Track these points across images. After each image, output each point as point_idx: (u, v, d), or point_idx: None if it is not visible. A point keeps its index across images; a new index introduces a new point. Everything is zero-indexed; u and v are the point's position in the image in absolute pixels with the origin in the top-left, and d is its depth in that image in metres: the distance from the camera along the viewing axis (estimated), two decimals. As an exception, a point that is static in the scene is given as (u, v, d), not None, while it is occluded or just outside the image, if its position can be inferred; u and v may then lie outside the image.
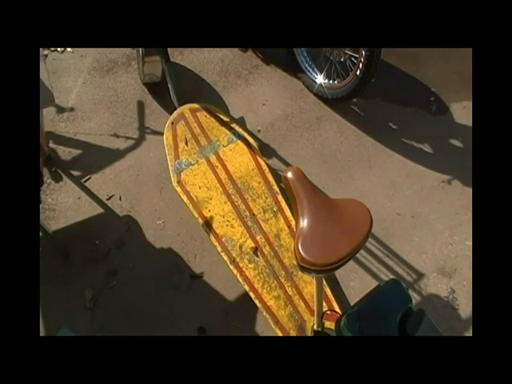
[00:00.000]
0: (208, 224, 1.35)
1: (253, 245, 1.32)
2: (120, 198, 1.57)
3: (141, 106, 1.80)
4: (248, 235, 1.34)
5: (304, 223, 0.94)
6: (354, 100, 1.86)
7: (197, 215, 1.37)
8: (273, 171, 1.54)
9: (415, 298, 1.41)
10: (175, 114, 1.55)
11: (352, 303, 1.17)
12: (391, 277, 1.44)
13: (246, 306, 1.33)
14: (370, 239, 1.51)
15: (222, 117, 1.57)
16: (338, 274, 1.43)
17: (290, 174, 1.01)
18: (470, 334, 1.36)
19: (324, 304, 1.21)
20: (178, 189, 1.41)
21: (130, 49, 1.92)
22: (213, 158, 1.47)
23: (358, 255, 1.44)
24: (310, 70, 1.86)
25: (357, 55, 1.61)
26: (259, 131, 1.78)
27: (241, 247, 1.31)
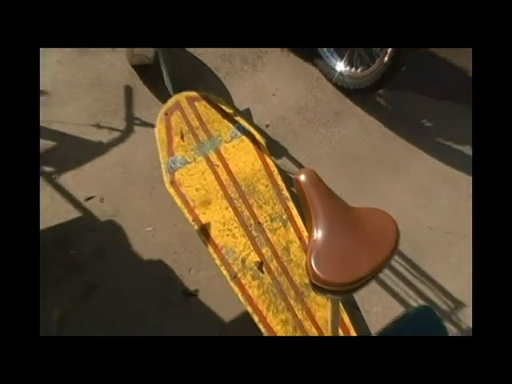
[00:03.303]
0: (206, 233, 1.38)
1: (257, 259, 1.34)
2: (102, 200, 1.60)
3: (128, 92, 1.83)
4: (252, 247, 1.36)
5: (318, 235, 0.97)
6: (381, 91, 1.89)
7: (193, 222, 1.39)
8: (283, 173, 1.56)
9: (450, 329, 1.43)
10: (170, 102, 1.58)
11: (374, 332, 1.19)
12: (421, 302, 1.46)
13: (247, 330, 1.33)
14: (396, 256, 1.53)
15: (224, 108, 1.60)
16: (358, 296, 1.45)
17: (302, 177, 1.03)
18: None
19: (340, 331, 1.22)
20: (172, 190, 1.43)
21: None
22: (213, 156, 1.50)
23: (381, 275, 1.46)
24: (329, 55, 1.88)
25: (385, 39, 1.65)
26: (268, 126, 1.82)
27: (243, 261, 1.34)
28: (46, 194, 1.60)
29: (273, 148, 1.72)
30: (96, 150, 1.70)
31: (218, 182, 1.46)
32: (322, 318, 1.27)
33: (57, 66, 1.86)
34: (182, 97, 1.59)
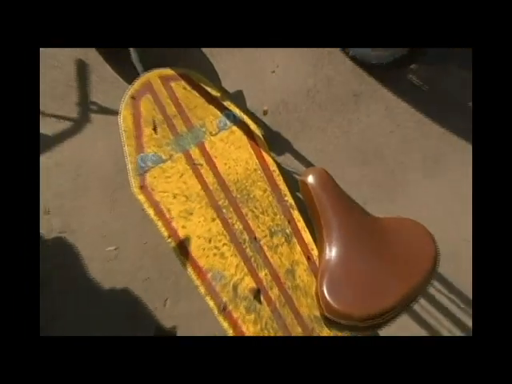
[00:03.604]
0: (186, 252, 1.38)
1: (253, 285, 1.35)
2: (47, 212, 1.61)
3: (83, 68, 1.84)
4: (246, 270, 1.37)
5: (332, 253, 0.99)
6: (412, 67, 1.91)
7: (169, 239, 1.39)
8: (285, 174, 1.57)
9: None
10: (138, 83, 1.59)
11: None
12: (462, 334, 1.48)
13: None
14: (434, 281, 1.57)
15: (209, 90, 1.61)
16: (385, 333, 1.46)
17: (311, 179, 1.07)
18: None
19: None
20: (142, 197, 1.44)
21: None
22: (195, 152, 1.51)
23: (415, 306, 1.49)
24: (346, 19, 1.93)
25: None
26: (266, 113, 1.85)
27: (235, 288, 1.34)
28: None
29: (272, 142, 1.74)
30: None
31: (201, 185, 1.48)
32: (337, 362, 1.30)
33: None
34: (154, 75, 1.60)
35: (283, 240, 1.41)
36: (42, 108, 1.78)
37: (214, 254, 1.39)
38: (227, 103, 1.60)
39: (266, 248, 1.40)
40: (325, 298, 0.96)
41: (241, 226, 1.42)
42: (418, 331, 1.51)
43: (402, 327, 1.48)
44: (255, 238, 1.41)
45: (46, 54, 1.88)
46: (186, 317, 1.50)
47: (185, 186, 1.47)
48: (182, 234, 1.41)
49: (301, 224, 1.43)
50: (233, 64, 1.92)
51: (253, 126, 1.58)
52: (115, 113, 1.68)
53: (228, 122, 1.57)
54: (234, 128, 1.57)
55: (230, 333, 1.31)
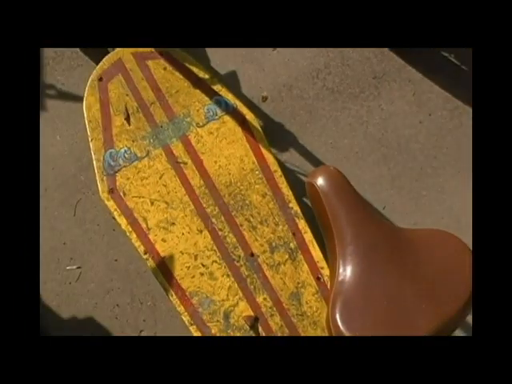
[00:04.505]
0: (166, 271, 1.37)
1: (250, 312, 1.33)
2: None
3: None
4: (241, 294, 1.36)
5: (346, 273, 0.98)
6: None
7: (145, 255, 1.38)
8: (289, 175, 1.57)
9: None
10: (107, 61, 1.58)
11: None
12: None
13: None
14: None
15: (195, 71, 1.60)
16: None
17: (321, 181, 1.05)
18: None
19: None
20: (111, 203, 1.43)
21: None
22: (178, 148, 1.50)
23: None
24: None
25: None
26: (265, 99, 1.84)
27: (227, 316, 1.33)
28: None
29: (274, 134, 1.73)
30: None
31: (185, 189, 1.47)
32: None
33: None
34: (126, 52, 1.59)
35: (286, 256, 1.40)
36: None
37: (201, 274, 1.38)
38: (217, 87, 1.59)
39: (265, 266, 1.39)
40: (338, 328, 0.95)
41: (234, 240, 1.42)
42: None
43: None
44: (252, 255, 1.40)
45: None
46: (167, 351, 1.48)
47: (165, 189, 1.46)
48: (161, 249, 1.39)
49: (308, 236, 1.42)
50: (225, 40, 1.91)
51: (249, 115, 1.56)
52: (78, 98, 1.68)
53: (218, 111, 1.56)
54: (226, 118, 1.55)
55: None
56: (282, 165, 1.56)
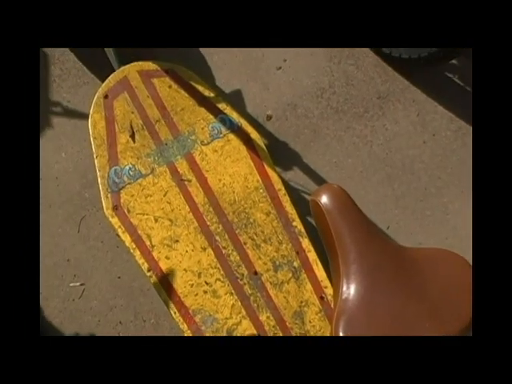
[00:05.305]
0: (170, 289, 1.37)
1: (253, 331, 1.34)
2: None
3: (42, 59, 1.84)
4: (244, 312, 1.36)
5: (350, 291, 0.98)
6: (455, 62, 1.90)
7: (149, 272, 1.38)
8: (293, 193, 1.57)
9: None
10: (112, 79, 1.59)
11: None
12: None
13: None
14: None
15: (200, 89, 1.61)
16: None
17: (325, 200, 1.05)
18: None
19: None
20: (115, 220, 1.43)
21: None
22: (182, 166, 1.51)
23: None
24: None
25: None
26: (270, 118, 1.84)
27: (230, 335, 1.33)
28: None
29: (278, 153, 1.73)
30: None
31: (189, 207, 1.47)
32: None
33: None
34: (132, 70, 1.60)
35: (290, 275, 1.40)
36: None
37: (205, 292, 1.37)
38: (222, 106, 1.60)
39: (268, 285, 1.39)
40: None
41: (238, 258, 1.42)
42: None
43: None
44: (255, 273, 1.40)
45: None
46: (169, 369, 1.48)
47: (169, 206, 1.46)
48: (164, 266, 1.39)
49: (312, 255, 1.42)
50: (229, 57, 1.92)
51: (254, 134, 1.57)
52: (84, 116, 1.68)
53: (223, 129, 1.57)
54: (231, 136, 1.56)
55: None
56: (286, 183, 1.56)
